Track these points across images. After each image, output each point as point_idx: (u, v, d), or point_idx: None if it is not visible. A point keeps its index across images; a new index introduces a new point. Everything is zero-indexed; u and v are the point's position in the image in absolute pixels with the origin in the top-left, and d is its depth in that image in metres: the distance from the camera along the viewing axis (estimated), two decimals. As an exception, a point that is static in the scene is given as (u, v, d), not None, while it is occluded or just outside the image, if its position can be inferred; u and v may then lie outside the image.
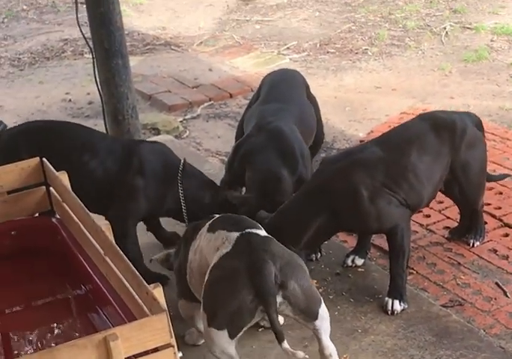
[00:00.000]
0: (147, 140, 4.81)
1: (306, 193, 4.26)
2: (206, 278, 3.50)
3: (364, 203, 4.12)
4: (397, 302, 4.13)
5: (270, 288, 3.30)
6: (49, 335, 3.50)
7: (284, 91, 5.17)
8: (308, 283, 3.47)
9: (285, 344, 3.26)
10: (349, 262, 4.57)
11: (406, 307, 4.14)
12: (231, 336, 3.40)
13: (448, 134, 4.37)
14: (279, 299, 3.35)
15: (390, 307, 4.13)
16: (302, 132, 4.87)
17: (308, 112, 5.20)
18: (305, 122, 5.07)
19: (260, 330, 3.98)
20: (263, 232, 3.60)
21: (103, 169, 4.39)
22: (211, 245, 3.60)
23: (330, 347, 3.56)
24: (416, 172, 4.24)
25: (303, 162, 4.67)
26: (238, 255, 3.43)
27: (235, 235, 3.52)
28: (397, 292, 4.16)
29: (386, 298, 4.17)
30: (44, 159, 3.89)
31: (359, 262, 4.58)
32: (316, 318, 3.47)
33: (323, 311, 3.50)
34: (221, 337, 3.40)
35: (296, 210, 4.22)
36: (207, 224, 3.74)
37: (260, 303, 3.30)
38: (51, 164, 3.89)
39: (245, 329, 3.44)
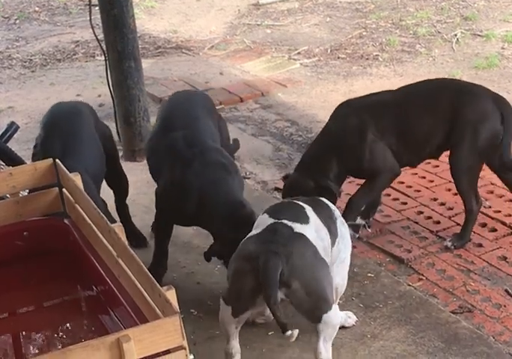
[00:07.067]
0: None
1: (325, 132, 4.78)
2: None
3: (366, 142, 4.59)
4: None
5: (271, 280, 3.31)
6: (60, 336, 3.51)
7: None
8: (317, 287, 3.44)
9: (288, 332, 3.32)
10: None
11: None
12: (234, 314, 3.50)
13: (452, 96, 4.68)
14: (281, 295, 3.37)
15: None
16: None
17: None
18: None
19: (269, 333, 4.00)
20: (300, 228, 3.55)
21: None
22: (255, 225, 3.75)
23: (322, 353, 3.53)
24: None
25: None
26: (258, 240, 3.50)
27: (270, 221, 3.60)
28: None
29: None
30: (58, 160, 3.90)
31: (360, 222, 4.93)
32: (318, 321, 3.47)
33: (330, 317, 3.47)
34: (226, 311, 3.53)
35: (317, 147, 4.77)
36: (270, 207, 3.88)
37: (262, 293, 3.34)
38: None
39: (249, 312, 3.54)
